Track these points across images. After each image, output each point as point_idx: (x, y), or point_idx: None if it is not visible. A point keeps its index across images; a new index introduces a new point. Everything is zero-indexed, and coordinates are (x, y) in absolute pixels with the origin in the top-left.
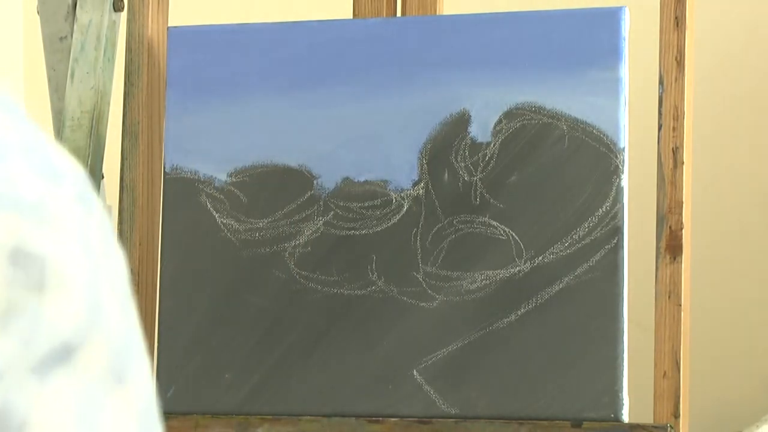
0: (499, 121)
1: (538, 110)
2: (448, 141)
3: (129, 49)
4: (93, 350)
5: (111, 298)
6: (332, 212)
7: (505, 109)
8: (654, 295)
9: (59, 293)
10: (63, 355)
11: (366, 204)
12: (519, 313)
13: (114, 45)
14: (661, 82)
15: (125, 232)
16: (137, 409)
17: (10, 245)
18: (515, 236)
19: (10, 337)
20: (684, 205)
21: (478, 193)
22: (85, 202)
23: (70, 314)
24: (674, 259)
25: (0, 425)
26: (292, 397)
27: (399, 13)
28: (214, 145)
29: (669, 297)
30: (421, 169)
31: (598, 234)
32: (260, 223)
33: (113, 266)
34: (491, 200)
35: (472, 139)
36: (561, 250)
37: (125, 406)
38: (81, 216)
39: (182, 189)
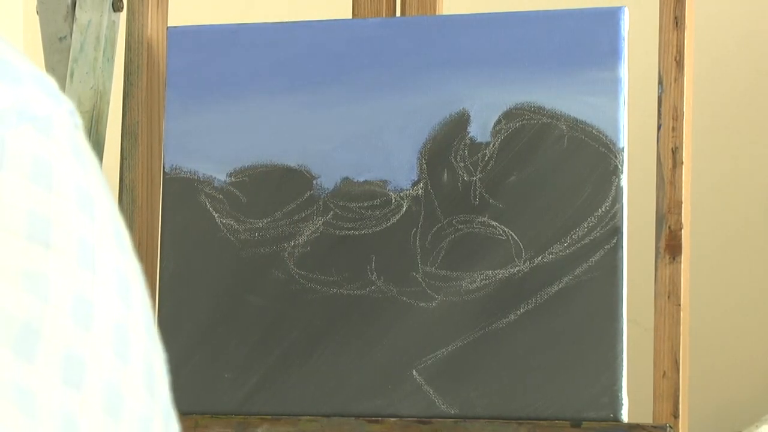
0: (499, 121)
1: (538, 110)
2: (448, 141)
3: (129, 49)
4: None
5: (102, 201)
6: (332, 212)
7: (505, 109)
8: (653, 295)
9: (61, 195)
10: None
11: (365, 204)
12: (519, 313)
13: (113, 45)
14: (660, 82)
15: None
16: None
17: (30, 152)
18: (515, 236)
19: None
20: (683, 205)
21: (477, 193)
22: (74, 116)
23: (68, 213)
24: (674, 259)
25: None
26: (292, 397)
27: (399, 13)
28: (214, 145)
29: (668, 297)
30: (421, 169)
31: (598, 234)
32: (260, 223)
33: (99, 175)
34: (490, 200)
35: (471, 139)
36: (560, 250)
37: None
38: (73, 128)
39: (182, 189)
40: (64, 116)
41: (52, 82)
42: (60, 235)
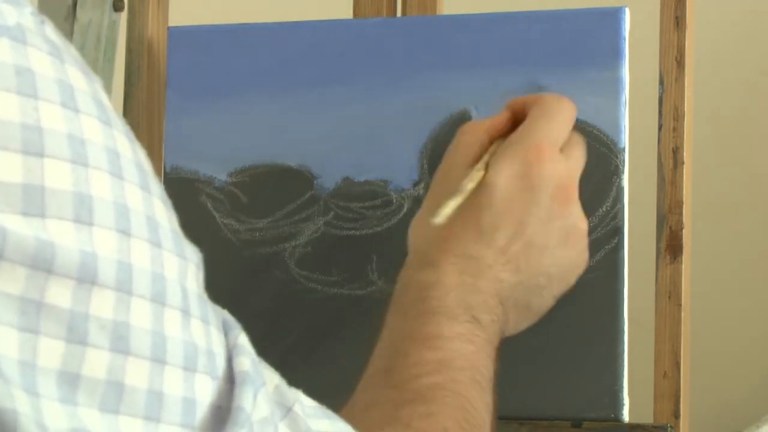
0: None
1: None
2: (448, 141)
3: (129, 49)
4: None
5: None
6: (332, 212)
7: None
8: (654, 295)
9: (46, 99)
10: None
11: (366, 204)
12: None
13: (114, 45)
14: (661, 82)
15: None
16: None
17: (11, 64)
18: None
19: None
20: (684, 205)
21: None
22: (36, 14)
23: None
24: (674, 259)
25: None
26: None
27: (399, 13)
28: (214, 145)
29: (669, 297)
30: (421, 169)
31: (599, 234)
32: (260, 223)
33: (74, 57)
34: None
35: None
36: None
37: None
38: (41, 26)
39: (182, 189)
40: (30, 18)
41: None
42: (52, 141)
